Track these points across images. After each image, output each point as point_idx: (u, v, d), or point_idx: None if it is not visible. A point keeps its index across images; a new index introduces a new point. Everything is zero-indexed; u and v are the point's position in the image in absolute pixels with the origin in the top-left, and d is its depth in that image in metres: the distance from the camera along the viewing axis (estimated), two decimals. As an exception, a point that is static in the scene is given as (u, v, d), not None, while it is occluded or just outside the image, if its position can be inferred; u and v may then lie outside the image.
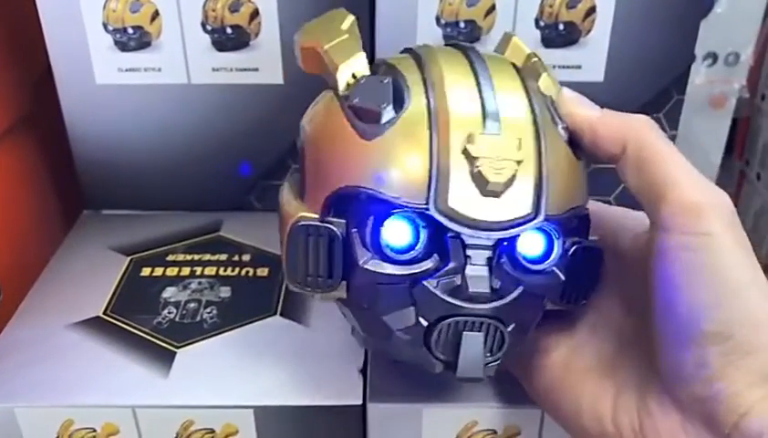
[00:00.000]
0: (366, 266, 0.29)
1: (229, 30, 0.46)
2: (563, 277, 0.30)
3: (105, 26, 0.46)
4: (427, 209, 0.27)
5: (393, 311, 0.29)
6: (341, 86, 0.31)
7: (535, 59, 0.32)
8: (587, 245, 0.31)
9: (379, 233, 0.28)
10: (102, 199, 0.52)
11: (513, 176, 0.27)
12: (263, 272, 0.45)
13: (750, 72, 0.62)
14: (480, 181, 0.27)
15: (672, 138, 0.49)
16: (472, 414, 0.36)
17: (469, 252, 0.28)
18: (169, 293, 0.43)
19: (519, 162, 0.27)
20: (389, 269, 0.28)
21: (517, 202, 0.28)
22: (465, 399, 0.36)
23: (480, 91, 0.29)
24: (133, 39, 0.46)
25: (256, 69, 0.47)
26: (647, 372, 0.29)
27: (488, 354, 0.29)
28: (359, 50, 0.32)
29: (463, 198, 0.27)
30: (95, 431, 0.36)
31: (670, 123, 0.49)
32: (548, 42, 0.46)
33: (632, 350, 0.31)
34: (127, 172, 0.50)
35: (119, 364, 0.38)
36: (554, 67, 0.46)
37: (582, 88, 0.47)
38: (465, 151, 0.27)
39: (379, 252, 0.28)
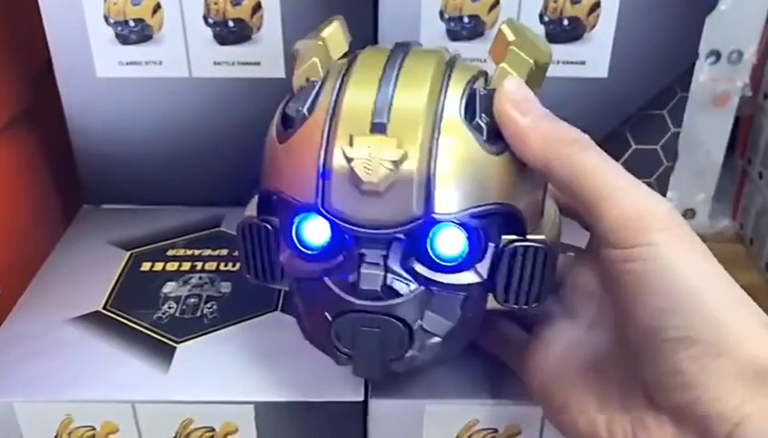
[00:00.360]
0: (284, 262, 0.31)
1: (231, 23, 0.45)
2: (483, 276, 0.29)
3: (106, 18, 0.45)
4: (317, 209, 0.29)
5: (307, 304, 0.32)
6: (295, 91, 0.32)
7: (512, 48, 0.30)
8: (528, 244, 0.30)
9: (291, 231, 0.30)
10: (102, 193, 0.51)
11: (389, 175, 0.27)
12: (263, 267, 0.44)
13: (753, 70, 0.61)
14: (356, 180, 0.28)
15: (675, 135, 0.49)
16: (473, 412, 0.36)
17: (363, 249, 0.29)
18: (169, 288, 0.43)
19: (398, 162, 0.27)
20: (301, 265, 0.30)
21: (400, 201, 0.28)
22: (467, 397, 0.36)
23: (378, 90, 0.29)
24: (134, 32, 0.46)
25: (258, 63, 0.46)
26: (638, 380, 0.29)
27: (390, 351, 0.30)
28: (319, 55, 0.32)
29: (346, 198, 0.28)
30: (94, 429, 0.36)
31: (674, 121, 0.49)
32: (552, 37, 0.45)
33: (627, 355, 0.30)
34: (127, 166, 0.50)
35: (119, 359, 0.38)
36: (557, 62, 0.46)
37: (586, 84, 0.47)
38: (344, 152, 0.28)
39: (294, 249, 0.30)
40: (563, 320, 0.34)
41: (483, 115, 0.29)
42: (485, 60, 0.45)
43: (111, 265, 0.45)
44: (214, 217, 0.49)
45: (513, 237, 0.30)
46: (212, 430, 0.36)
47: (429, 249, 0.29)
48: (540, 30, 0.45)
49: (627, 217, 0.27)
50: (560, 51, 0.46)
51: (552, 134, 0.29)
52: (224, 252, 0.46)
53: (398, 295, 0.29)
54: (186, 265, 0.45)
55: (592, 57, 0.46)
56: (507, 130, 0.29)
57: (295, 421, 0.36)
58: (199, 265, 0.45)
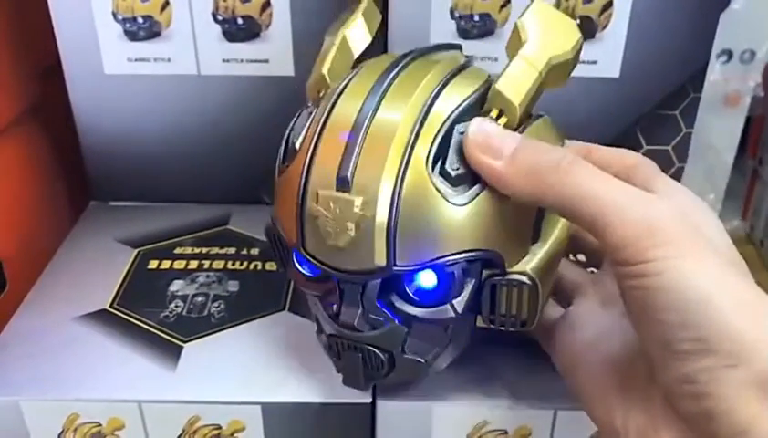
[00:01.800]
0: (289, 276, 0.34)
1: (240, 21, 0.45)
2: (458, 311, 0.30)
3: (114, 15, 0.45)
4: (298, 250, 0.31)
5: (314, 313, 0.35)
6: (307, 94, 0.35)
7: (521, 52, 0.30)
8: (508, 279, 0.30)
9: (290, 257, 0.33)
10: (110, 190, 0.51)
11: (351, 237, 0.29)
12: (271, 266, 0.44)
13: (765, 70, 0.61)
14: (322, 236, 0.29)
15: (687, 136, 0.49)
16: (482, 414, 0.36)
17: (342, 286, 0.31)
18: (176, 286, 0.43)
19: (359, 222, 0.29)
20: (302, 283, 0.33)
21: (364, 255, 0.29)
22: (476, 398, 0.36)
23: (347, 144, 0.29)
24: (143, 29, 0.45)
25: (267, 61, 0.46)
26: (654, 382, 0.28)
27: (373, 371, 0.33)
28: (337, 55, 0.33)
29: (318, 247, 0.30)
30: (100, 425, 0.36)
31: (686, 121, 0.48)
32: (564, 37, 0.45)
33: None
34: (135, 163, 0.50)
35: (126, 358, 0.38)
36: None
37: (597, 83, 0.47)
38: (311, 207, 0.30)
39: (296, 268, 0.33)
40: (597, 306, 0.33)
41: (456, 160, 0.29)
42: (497, 58, 0.45)
43: (119, 262, 0.45)
44: (222, 215, 0.49)
45: (493, 273, 0.31)
46: (219, 427, 0.36)
47: (404, 286, 0.31)
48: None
49: (629, 236, 0.26)
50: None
51: (531, 167, 0.28)
52: (232, 250, 0.46)
53: (374, 328, 0.31)
54: (194, 264, 0.44)
55: (604, 57, 0.46)
56: (485, 176, 0.29)
57: (303, 421, 0.36)
58: (206, 263, 0.44)
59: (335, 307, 0.31)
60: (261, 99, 0.47)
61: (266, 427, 0.36)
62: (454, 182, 0.29)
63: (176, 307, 0.41)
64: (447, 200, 0.29)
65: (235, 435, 0.36)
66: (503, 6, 0.44)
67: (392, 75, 0.31)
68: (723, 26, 0.46)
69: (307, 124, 0.32)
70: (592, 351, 0.31)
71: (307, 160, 0.30)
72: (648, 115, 0.48)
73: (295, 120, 0.33)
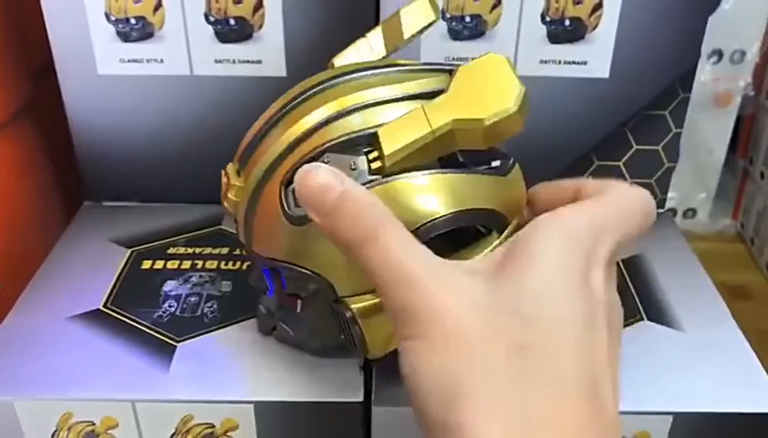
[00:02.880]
0: None
1: (232, 21, 0.45)
2: (270, 308, 0.38)
3: (107, 15, 0.45)
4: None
5: None
6: None
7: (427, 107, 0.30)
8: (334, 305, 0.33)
9: None
10: (103, 190, 0.51)
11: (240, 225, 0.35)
12: (264, 266, 0.44)
13: (755, 69, 0.61)
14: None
15: (677, 136, 0.49)
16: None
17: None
18: (169, 286, 0.43)
19: (240, 218, 0.35)
20: None
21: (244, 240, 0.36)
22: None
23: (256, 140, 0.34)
24: (136, 30, 0.45)
25: (259, 62, 0.46)
26: None
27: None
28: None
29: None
30: (94, 424, 0.36)
31: (676, 121, 0.49)
32: (554, 37, 0.45)
33: None
34: (128, 163, 0.50)
35: (119, 358, 0.38)
36: (559, 62, 0.46)
37: (587, 84, 0.47)
38: None
39: None
40: None
41: None
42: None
43: (112, 262, 0.45)
44: (215, 215, 0.49)
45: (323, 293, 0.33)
46: (212, 426, 0.36)
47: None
48: (542, 30, 0.45)
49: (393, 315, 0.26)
50: (562, 51, 0.46)
51: (338, 235, 0.27)
52: (225, 251, 0.46)
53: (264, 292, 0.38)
54: (187, 264, 0.45)
55: (594, 58, 0.46)
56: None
57: (295, 420, 0.36)
58: (200, 263, 0.45)
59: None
60: (253, 100, 0.47)
61: (259, 426, 0.36)
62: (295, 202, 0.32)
63: (169, 306, 0.41)
64: (285, 216, 0.32)
65: (228, 434, 0.37)
66: (493, 8, 0.45)
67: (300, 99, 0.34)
68: (712, 26, 0.47)
69: None
70: None
71: None
72: (638, 115, 0.48)
73: None
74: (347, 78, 0.33)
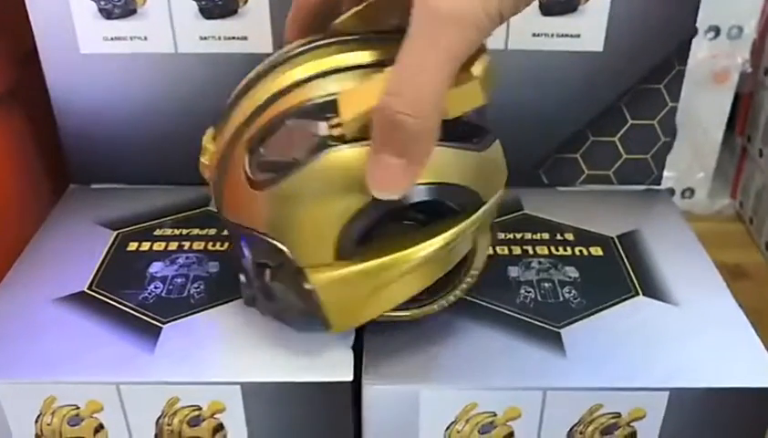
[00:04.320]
0: None
1: (217, -3, 0.44)
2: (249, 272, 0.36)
3: (89, -8, 0.44)
4: None
5: None
6: None
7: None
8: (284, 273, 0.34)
9: None
10: (89, 172, 0.51)
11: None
12: (252, 247, 0.44)
13: (753, 46, 0.60)
14: None
15: (673, 110, 0.48)
16: (471, 396, 0.35)
17: None
18: (156, 268, 0.42)
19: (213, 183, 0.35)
20: None
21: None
22: (465, 380, 0.35)
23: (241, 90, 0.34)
24: (118, 6, 0.45)
25: (245, 38, 0.46)
26: None
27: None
28: None
29: None
30: (78, 407, 0.36)
31: (671, 95, 0.48)
32: (547, 9, 0.44)
33: None
34: (113, 144, 0.49)
35: (104, 340, 0.37)
36: (552, 35, 0.45)
37: (581, 57, 0.46)
38: None
39: None
40: None
41: (272, 150, 0.32)
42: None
43: (98, 244, 0.44)
44: (203, 197, 0.49)
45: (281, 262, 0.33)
46: (199, 409, 0.36)
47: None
48: (534, 2, 0.44)
49: None
50: (554, 24, 0.45)
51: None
52: (212, 231, 0.45)
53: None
54: (173, 245, 0.44)
55: (587, 30, 0.45)
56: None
57: (284, 401, 0.36)
58: (186, 244, 0.44)
59: None
60: (240, 77, 0.46)
61: (247, 408, 0.36)
62: (262, 167, 0.32)
63: (155, 288, 0.40)
64: (247, 182, 0.32)
65: (216, 416, 0.36)
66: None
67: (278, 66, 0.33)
68: (710, 2, 0.46)
69: None
70: None
71: None
72: (633, 89, 0.47)
73: None
74: (318, 43, 0.33)
